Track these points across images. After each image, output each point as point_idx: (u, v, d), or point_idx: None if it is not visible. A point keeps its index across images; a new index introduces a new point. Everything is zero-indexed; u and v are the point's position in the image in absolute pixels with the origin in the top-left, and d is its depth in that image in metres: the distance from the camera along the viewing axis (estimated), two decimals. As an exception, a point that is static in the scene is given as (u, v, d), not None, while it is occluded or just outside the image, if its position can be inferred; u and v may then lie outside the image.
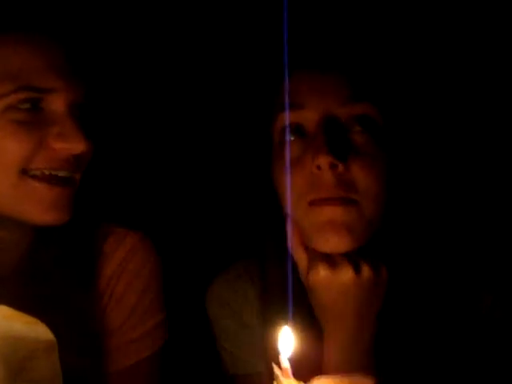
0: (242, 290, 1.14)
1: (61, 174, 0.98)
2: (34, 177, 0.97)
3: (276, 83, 1.02)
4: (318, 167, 0.94)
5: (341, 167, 0.93)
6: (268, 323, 1.03)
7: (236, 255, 1.21)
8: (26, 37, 0.98)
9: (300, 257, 1.00)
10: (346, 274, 0.94)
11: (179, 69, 1.44)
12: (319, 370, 0.95)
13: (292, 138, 0.99)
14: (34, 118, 0.97)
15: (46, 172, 0.97)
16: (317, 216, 0.96)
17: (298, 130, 0.99)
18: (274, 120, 1.01)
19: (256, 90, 1.11)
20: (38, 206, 0.98)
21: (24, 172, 0.96)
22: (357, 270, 0.94)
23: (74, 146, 0.97)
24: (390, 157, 0.97)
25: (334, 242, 0.95)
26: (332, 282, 0.94)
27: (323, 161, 0.93)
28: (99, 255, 1.09)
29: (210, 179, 1.46)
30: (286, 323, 0.79)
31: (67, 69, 0.99)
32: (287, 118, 0.98)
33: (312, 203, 0.96)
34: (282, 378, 0.74)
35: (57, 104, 0.98)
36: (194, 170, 1.47)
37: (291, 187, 0.97)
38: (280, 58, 0.97)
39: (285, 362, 0.76)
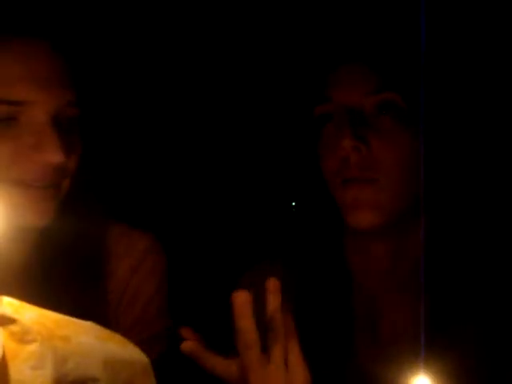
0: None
1: (38, 183, 0.95)
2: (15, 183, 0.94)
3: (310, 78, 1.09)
4: (344, 151, 1.01)
5: (364, 149, 1.01)
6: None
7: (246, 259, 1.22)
8: (7, 43, 0.93)
9: None
10: None
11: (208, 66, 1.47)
12: None
13: (325, 126, 1.07)
14: (9, 129, 0.93)
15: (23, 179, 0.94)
16: (345, 195, 1.04)
17: (329, 118, 1.06)
18: (314, 112, 1.08)
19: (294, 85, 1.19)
20: (16, 209, 0.94)
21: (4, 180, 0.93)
22: None
23: (49, 157, 0.94)
24: (416, 138, 1.04)
25: (358, 219, 1.03)
26: None
27: (346, 144, 1.01)
28: (111, 256, 1.08)
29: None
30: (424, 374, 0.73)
31: (50, 79, 0.95)
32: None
33: (342, 183, 1.04)
34: None
35: (36, 115, 0.94)
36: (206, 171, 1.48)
37: (327, 169, 1.07)
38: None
39: None
